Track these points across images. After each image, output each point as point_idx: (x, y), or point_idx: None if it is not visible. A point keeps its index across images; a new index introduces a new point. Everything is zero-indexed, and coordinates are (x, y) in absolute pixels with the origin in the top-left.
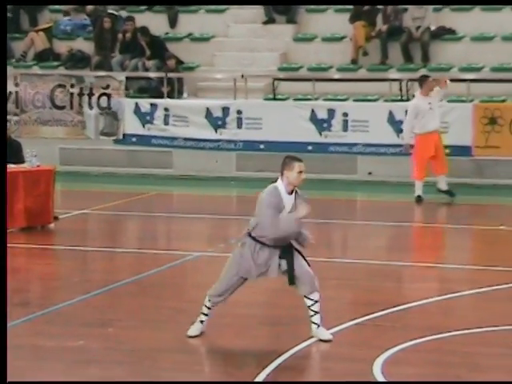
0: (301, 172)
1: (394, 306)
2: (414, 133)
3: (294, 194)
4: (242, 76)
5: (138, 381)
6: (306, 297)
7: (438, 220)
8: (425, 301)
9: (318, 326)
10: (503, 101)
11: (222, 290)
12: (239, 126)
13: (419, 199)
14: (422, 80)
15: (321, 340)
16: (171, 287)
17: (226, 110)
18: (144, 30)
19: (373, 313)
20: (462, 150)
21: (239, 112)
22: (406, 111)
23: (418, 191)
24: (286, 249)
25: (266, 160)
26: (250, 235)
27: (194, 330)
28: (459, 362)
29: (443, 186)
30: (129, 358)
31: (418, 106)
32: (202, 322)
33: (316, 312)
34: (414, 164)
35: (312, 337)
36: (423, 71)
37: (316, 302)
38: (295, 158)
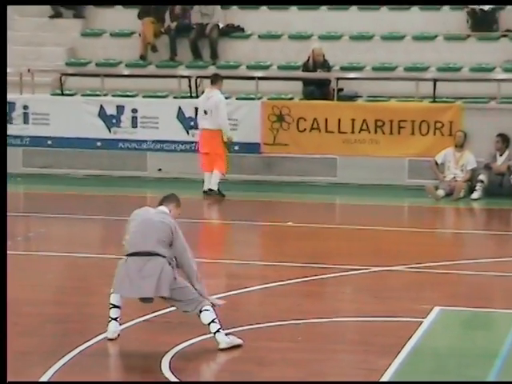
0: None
1: None
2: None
3: None
4: (29, 70)
5: (137, 381)
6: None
7: (226, 216)
8: (213, 297)
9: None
10: (291, 98)
11: None
12: (26, 121)
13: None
14: (218, 77)
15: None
16: None
17: (11, 105)
18: None
19: (162, 309)
20: (250, 148)
21: (26, 107)
22: (197, 108)
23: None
24: None
25: (54, 156)
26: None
27: None
28: (247, 356)
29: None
30: None
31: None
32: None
33: None
34: (222, 158)
35: (102, 333)
36: (212, 68)
37: None
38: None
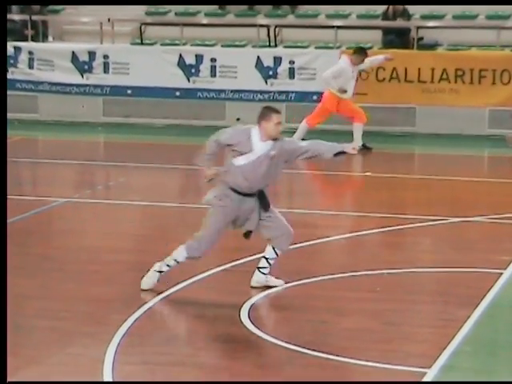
0: (278, 123)
1: (262, 252)
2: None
3: (271, 142)
4: (109, 20)
5: (140, 381)
6: (274, 248)
7: (308, 166)
8: (292, 246)
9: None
10: (370, 47)
11: (205, 243)
12: (106, 70)
13: None
14: (360, 52)
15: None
16: (37, 234)
17: (92, 54)
18: None
19: (241, 258)
20: None
21: (106, 57)
22: (276, 58)
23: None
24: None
25: (134, 105)
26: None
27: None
28: (324, 306)
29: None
30: None
31: (345, 70)
32: (161, 272)
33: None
34: (315, 112)
35: (182, 281)
36: (291, 17)
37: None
38: (273, 110)
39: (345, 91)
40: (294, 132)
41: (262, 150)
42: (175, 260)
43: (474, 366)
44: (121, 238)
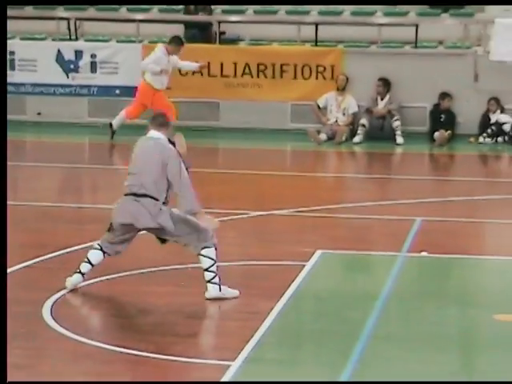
0: None
1: (65, 248)
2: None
3: None
4: None
5: (138, 381)
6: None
7: (117, 161)
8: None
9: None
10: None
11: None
12: None
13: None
14: (176, 41)
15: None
16: None
17: None
18: None
19: (43, 255)
20: (131, 92)
21: None
22: (77, 52)
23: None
24: None
25: None
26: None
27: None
28: (130, 301)
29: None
30: None
31: (160, 59)
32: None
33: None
34: (134, 104)
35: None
36: (91, 10)
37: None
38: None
39: (161, 72)
40: (98, 127)
41: None
42: None
43: (278, 356)
44: None
